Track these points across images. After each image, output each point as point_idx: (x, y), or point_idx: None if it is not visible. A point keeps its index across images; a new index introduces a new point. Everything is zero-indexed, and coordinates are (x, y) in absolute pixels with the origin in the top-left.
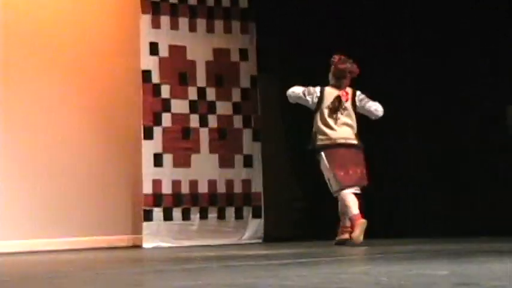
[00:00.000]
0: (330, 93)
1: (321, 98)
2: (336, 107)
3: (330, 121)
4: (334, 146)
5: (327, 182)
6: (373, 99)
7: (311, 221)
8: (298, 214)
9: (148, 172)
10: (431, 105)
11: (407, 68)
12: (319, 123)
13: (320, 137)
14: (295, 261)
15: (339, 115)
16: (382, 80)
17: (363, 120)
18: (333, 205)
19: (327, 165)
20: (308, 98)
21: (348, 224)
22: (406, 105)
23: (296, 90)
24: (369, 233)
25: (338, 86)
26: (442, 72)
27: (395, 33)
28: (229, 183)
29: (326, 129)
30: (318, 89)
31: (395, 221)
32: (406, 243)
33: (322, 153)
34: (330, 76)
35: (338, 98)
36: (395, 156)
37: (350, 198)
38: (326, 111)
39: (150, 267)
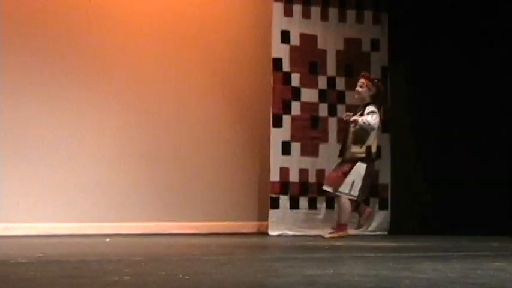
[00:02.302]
0: None
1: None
2: None
3: None
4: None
5: (355, 186)
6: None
7: (436, 215)
8: (424, 207)
9: (276, 160)
10: None
11: None
12: (375, 139)
13: (374, 151)
14: (425, 255)
15: None
16: None
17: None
18: (456, 201)
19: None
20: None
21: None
22: None
23: (377, 119)
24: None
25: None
26: None
27: None
28: None
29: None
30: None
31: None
32: None
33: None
34: (373, 95)
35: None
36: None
37: None
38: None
39: (279, 255)
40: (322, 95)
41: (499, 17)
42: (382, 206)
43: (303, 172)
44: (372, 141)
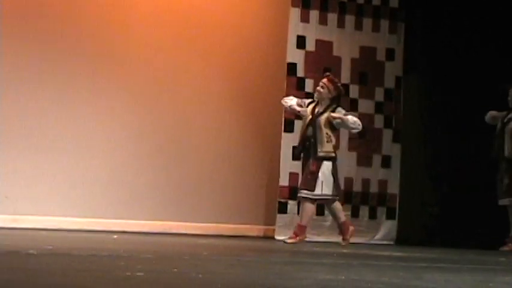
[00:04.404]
0: None
1: None
2: None
3: None
4: None
5: (337, 185)
6: None
7: (443, 227)
8: (431, 219)
9: (286, 164)
10: None
11: None
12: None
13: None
14: (434, 266)
15: None
16: None
17: None
18: (464, 214)
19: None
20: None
21: None
22: None
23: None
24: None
25: None
26: None
27: None
28: (366, 182)
29: None
30: None
31: None
32: None
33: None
34: (333, 98)
35: None
36: None
37: None
38: None
39: (288, 259)
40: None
41: None
42: (390, 216)
43: None
44: (335, 139)
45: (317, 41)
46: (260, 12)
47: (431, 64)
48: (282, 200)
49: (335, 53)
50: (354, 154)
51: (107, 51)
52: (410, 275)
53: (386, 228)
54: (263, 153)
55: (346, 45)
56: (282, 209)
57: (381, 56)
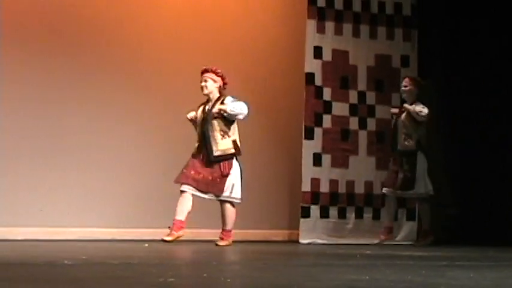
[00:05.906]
0: None
1: None
2: None
3: None
4: None
5: (235, 188)
6: None
7: (462, 226)
8: (449, 219)
9: (308, 171)
10: None
11: None
12: (237, 131)
13: (239, 145)
14: (455, 264)
15: None
16: None
17: None
18: (482, 213)
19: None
20: None
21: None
22: None
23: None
24: None
25: None
26: None
27: None
28: None
29: None
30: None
31: None
32: None
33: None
34: (220, 87)
35: None
36: None
37: None
38: None
39: (313, 261)
40: (353, 109)
41: None
42: (409, 217)
43: (333, 183)
44: (236, 134)
45: (333, 50)
46: (278, 25)
47: (445, 68)
48: (305, 205)
49: (351, 61)
50: (373, 159)
51: (104, 59)
52: (432, 273)
53: (407, 229)
54: (285, 160)
55: (361, 53)
56: (305, 213)
57: (396, 63)
